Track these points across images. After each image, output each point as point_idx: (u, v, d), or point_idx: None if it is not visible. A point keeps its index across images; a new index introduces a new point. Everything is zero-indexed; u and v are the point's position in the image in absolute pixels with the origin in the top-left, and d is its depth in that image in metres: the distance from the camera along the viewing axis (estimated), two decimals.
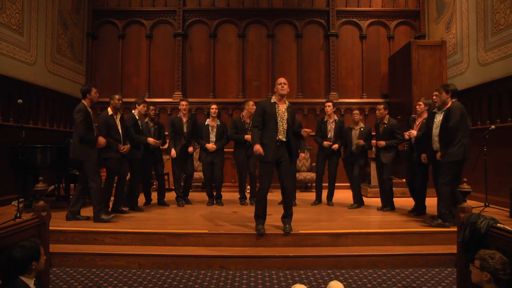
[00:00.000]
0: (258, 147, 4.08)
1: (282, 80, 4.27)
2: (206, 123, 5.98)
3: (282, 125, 4.21)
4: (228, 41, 8.87)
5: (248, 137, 5.66)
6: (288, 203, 4.31)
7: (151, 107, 5.95)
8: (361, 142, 5.61)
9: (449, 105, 4.40)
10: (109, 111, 4.95)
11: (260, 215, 4.21)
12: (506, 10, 5.97)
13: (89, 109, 4.71)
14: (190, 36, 8.88)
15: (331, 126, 5.89)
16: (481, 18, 6.59)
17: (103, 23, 8.87)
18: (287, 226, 4.21)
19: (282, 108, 4.25)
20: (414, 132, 5.04)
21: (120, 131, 5.00)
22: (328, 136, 5.88)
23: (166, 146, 6.01)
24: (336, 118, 5.99)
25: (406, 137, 5.13)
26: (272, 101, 4.26)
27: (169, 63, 8.82)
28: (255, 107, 5.06)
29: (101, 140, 4.69)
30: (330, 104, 5.92)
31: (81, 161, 4.63)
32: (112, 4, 8.89)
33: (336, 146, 5.80)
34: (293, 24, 8.86)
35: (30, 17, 6.67)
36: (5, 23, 6.03)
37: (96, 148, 4.68)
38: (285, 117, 4.23)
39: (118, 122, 5.01)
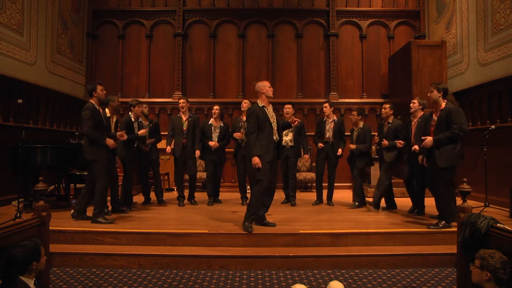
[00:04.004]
0: (257, 161, 4.20)
1: (268, 83, 4.47)
2: (209, 122, 6.12)
3: (275, 126, 4.40)
4: (228, 41, 8.87)
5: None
6: (271, 201, 4.62)
7: (144, 105, 6.04)
8: (353, 146, 5.71)
9: (443, 106, 4.27)
10: (107, 112, 4.93)
11: (256, 214, 4.29)
12: (506, 10, 5.97)
13: (98, 108, 4.61)
14: (190, 36, 8.88)
15: (329, 126, 5.92)
16: (481, 18, 6.59)
17: (103, 23, 8.87)
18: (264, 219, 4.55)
19: (270, 110, 4.43)
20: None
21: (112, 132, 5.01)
22: (326, 136, 5.89)
23: (168, 148, 5.98)
24: (335, 118, 6.00)
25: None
26: (260, 105, 4.40)
27: (169, 63, 8.81)
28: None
29: (109, 141, 4.59)
30: (326, 105, 5.98)
31: (91, 161, 4.54)
32: (112, 4, 8.88)
33: (340, 151, 5.85)
34: (293, 24, 8.85)
35: (30, 17, 6.66)
36: (5, 23, 6.03)
37: (106, 148, 4.59)
38: (275, 118, 4.45)
39: (113, 125, 5.03)
